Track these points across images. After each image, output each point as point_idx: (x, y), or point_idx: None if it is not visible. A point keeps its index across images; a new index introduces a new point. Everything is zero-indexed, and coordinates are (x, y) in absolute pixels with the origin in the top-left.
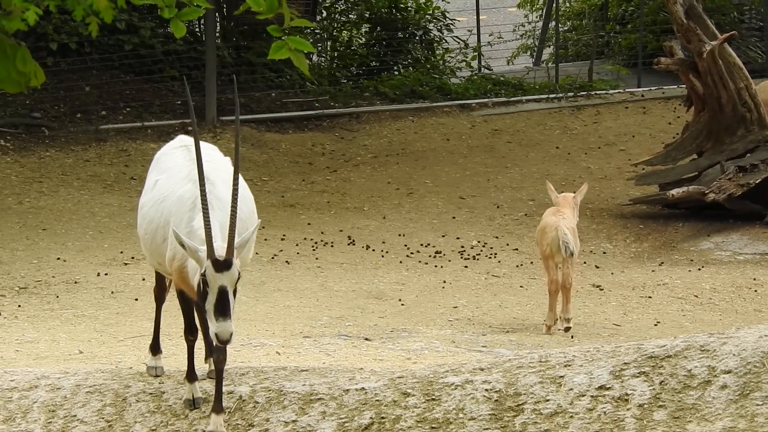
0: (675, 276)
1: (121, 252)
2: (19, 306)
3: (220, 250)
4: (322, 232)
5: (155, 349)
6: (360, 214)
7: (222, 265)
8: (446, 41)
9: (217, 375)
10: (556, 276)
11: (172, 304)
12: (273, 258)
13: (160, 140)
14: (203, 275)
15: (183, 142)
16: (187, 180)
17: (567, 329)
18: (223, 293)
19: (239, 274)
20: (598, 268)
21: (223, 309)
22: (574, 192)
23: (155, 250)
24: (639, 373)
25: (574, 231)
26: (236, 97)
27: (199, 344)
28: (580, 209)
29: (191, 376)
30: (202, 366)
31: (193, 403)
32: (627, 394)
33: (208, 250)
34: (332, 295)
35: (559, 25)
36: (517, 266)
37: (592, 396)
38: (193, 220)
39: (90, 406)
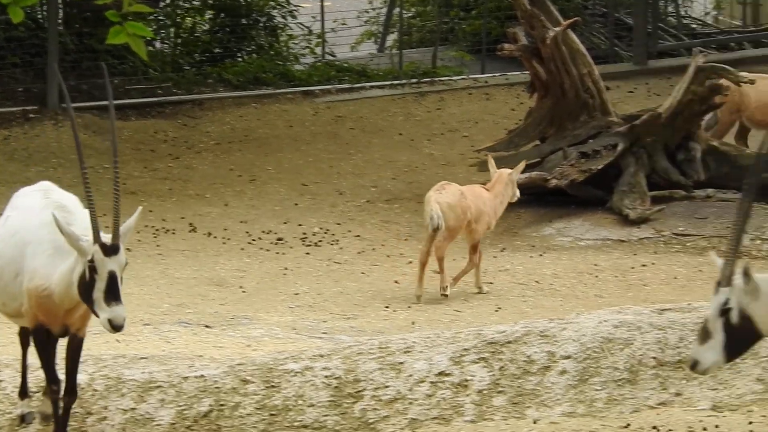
0: (517, 262)
1: None
2: None
3: (106, 239)
4: (164, 219)
5: (24, 393)
6: (202, 201)
7: (110, 250)
8: (290, 28)
9: (65, 414)
10: (425, 247)
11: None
12: None
13: (1, 127)
14: (91, 262)
15: (43, 186)
16: (42, 224)
17: (444, 296)
18: (113, 278)
19: (126, 260)
20: None
21: (115, 293)
22: (512, 169)
23: (3, 290)
24: (479, 359)
25: (456, 206)
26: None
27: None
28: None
29: None
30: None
31: None
32: (467, 380)
33: (94, 235)
34: (173, 282)
35: (403, 12)
36: (359, 253)
37: (431, 382)
38: (71, 226)
39: None
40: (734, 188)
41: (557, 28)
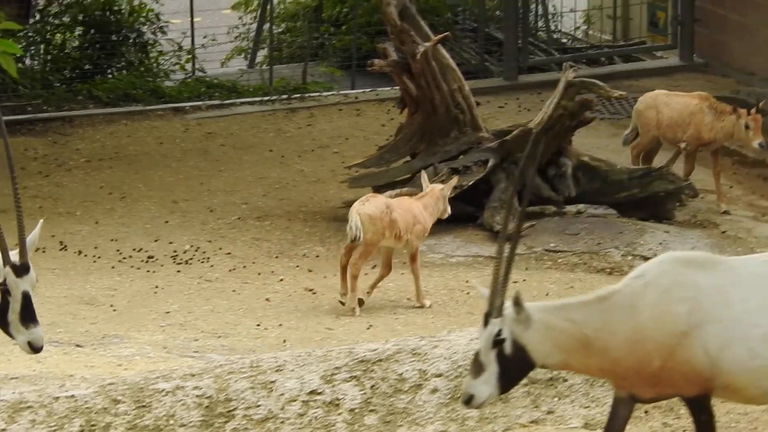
0: (388, 278)
1: None
2: None
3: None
4: None
5: None
6: (72, 219)
7: (21, 269)
8: (160, 44)
9: None
10: (342, 253)
11: None
12: None
13: None
14: (2, 285)
15: None
16: None
17: (342, 303)
18: (27, 298)
19: (36, 277)
20: (311, 271)
21: (31, 315)
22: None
23: None
24: (350, 377)
25: (378, 219)
26: None
27: None
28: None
29: None
30: None
31: None
32: (338, 399)
33: (3, 256)
34: (44, 301)
35: (273, 27)
36: (230, 270)
37: (303, 401)
38: None
39: None
40: (606, 204)
41: (427, 44)
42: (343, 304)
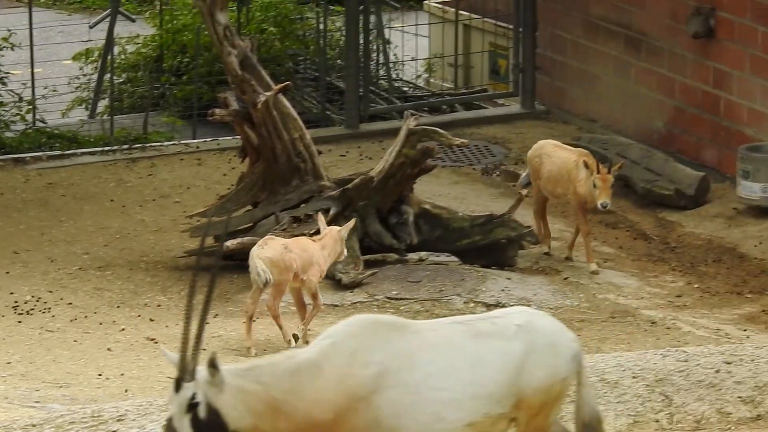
0: (230, 328)
1: None
2: None
3: None
4: None
5: None
6: None
7: None
8: (0, 95)
9: None
10: (251, 300)
11: None
12: None
13: None
14: None
15: None
16: None
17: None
18: None
19: None
20: (153, 321)
21: None
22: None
23: None
24: None
25: (278, 262)
26: None
27: None
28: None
29: None
30: None
31: None
32: None
33: None
34: None
35: (114, 78)
36: (72, 320)
37: None
38: None
39: None
40: (448, 251)
41: (268, 93)
42: (249, 349)
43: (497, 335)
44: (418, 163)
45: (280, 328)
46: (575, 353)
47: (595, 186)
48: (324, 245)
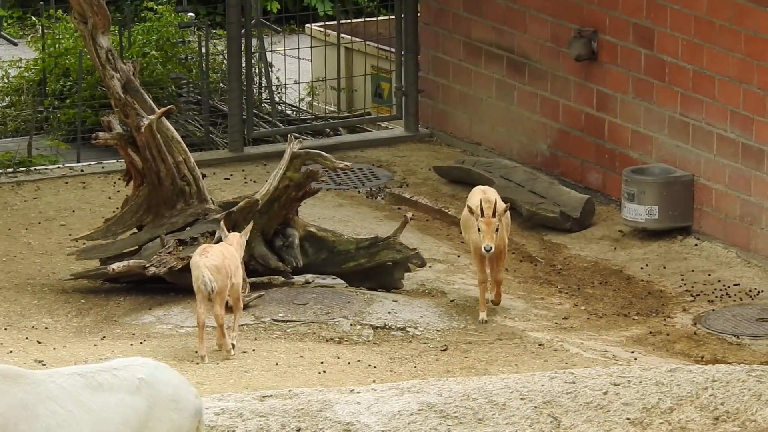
0: (117, 350)
1: None
2: None
3: None
4: None
5: None
6: None
7: None
8: None
9: None
10: (201, 309)
11: None
12: None
13: None
14: None
15: None
16: None
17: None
18: None
19: None
20: (40, 343)
21: None
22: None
23: None
24: None
25: (222, 268)
26: None
27: None
28: None
29: None
30: None
31: None
32: None
33: None
34: None
35: None
36: None
37: None
38: None
39: None
40: (334, 273)
41: (152, 117)
42: (203, 358)
43: (119, 388)
44: (302, 186)
45: (223, 336)
46: (197, 408)
47: (479, 230)
48: (236, 249)
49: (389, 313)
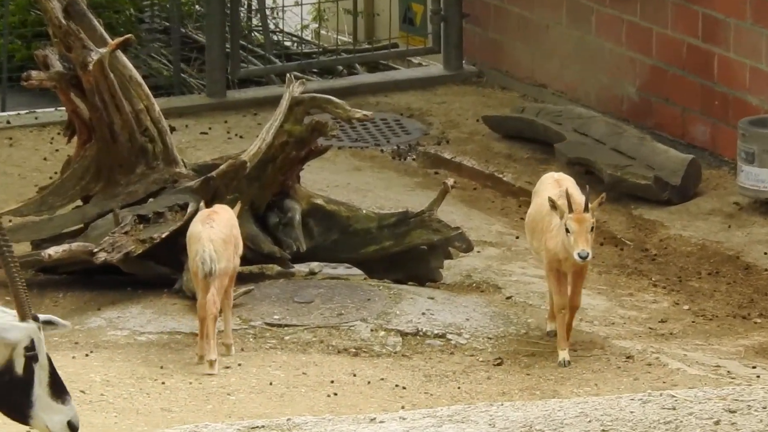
0: (56, 364)
1: None
2: None
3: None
4: None
5: None
6: None
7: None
8: None
9: None
10: (205, 299)
11: None
12: None
13: None
14: (30, 350)
15: None
16: None
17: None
18: (51, 363)
19: None
20: None
21: (62, 383)
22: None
23: None
24: None
25: (229, 241)
26: None
27: None
28: None
29: None
30: None
31: None
32: None
33: (22, 309)
34: None
35: None
36: None
37: None
38: None
39: None
40: (349, 261)
41: (103, 50)
42: (212, 364)
43: None
44: (305, 144)
45: (208, 339)
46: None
47: (568, 231)
48: (216, 223)
49: (423, 314)
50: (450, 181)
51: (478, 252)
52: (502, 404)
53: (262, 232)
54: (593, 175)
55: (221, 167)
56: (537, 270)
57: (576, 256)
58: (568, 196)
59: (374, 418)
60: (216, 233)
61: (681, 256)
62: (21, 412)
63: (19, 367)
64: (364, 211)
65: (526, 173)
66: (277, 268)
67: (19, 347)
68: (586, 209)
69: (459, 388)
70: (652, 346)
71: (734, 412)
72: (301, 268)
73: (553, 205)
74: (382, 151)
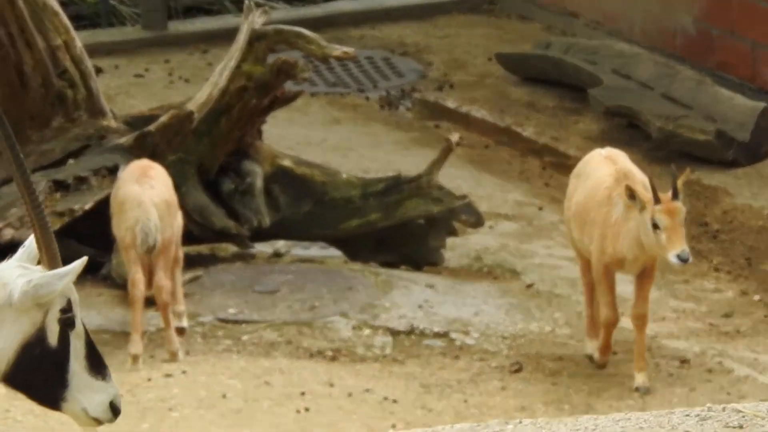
0: None
1: None
2: None
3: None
4: None
5: None
6: None
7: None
8: None
9: None
10: (139, 274)
11: None
12: None
13: None
14: (67, 311)
15: None
16: None
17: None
18: (87, 330)
19: None
20: None
21: (101, 355)
22: None
23: None
24: None
25: (172, 204)
26: None
27: None
28: None
29: None
30: None
31: None
32: None
33: (54, 265)
34: None
35: None
36: None
37: None
38: None
39: None
40: (324, 238)
41: None
42: (136, 359)
43: None
44: (269, 89)
45: (170, 326)
46: None
47: (656, 227)
48: (156, 183)
49: (420, 307)
50: (455, 137)
51: (491, 227)
52: (520, 422)
53: (213, 203)
54: (638, 129)
55: (161, 119)
56: (565, 250)
57: (674, 259)
58: (652, 184)
59: None
60: (158, 195)
61: (750, 233)
62: (52, 393)
63: (52, 336)
64: (345, 176)
65: (552, 127)
66: (232, 248)
67: (53, 310)
68: (675, 196)
69: (466, 401)
70: (713, 347)
71: None
72: (263, 248)
73: (631, 194)
74: (367, 98)
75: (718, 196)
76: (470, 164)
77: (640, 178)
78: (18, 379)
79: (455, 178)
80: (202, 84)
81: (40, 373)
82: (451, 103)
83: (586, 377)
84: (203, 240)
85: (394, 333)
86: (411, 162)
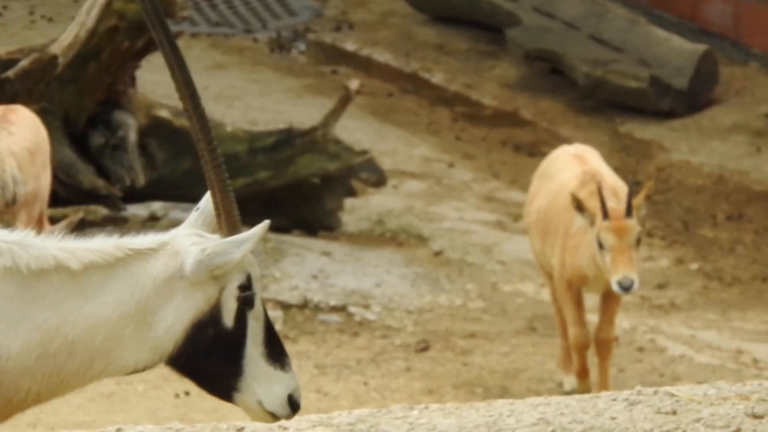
0: None
1: None
2: None
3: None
4: None
5: None
6: None
7: None
8: None
9: None
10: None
11: None
12: None
13: None
14: (246, 287)
15: None
16: None
17: None
18: (266, 312)
19: None
20: None
21: (281, 341)
22: None
23: None
24: None
25: (36, 152)
26: None
27: None
28: None
29: None
30: None
31: None
32: None
33: (235, 233)
34: None
35: None
36: None
37: None
38: None
39: None
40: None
41: None
42: None
43: None
44: (143, 30)
45: None
46: None
47: (601, 246)
48: (15, 128)
49: (315, 277)
50: (354, 84)
51: (395, 187)
52: (427, 407)
53: (80, 159)
54: (562, 75)
55: (21, 64)
56: (478, 213)
57: (615, 286)
58: (600, 194)
59: (242, 428)
60: (18, 142)
61: (688, 193)
62: (224, 382)
63: (228, 316)
64: (230, 128)
65: (464, 72)
66: (103, 210)
67: (231, 286)
68: (629, 213)
69: (366, 384)
70: (644, 323)
71: (761, 417)
72: (137, 210)
73: (579, 206)
74: (255, 40)
75: (652, 151)
76: (372, 115)
77: (611, 182)
78: (186, 362)
79: (354, 130)
80: (67, 24)
81: (212, 358)
82: (350, 46)
83: (501, 356)
84: (69, 201)
85: (285, 307)
86: (304, 113)
